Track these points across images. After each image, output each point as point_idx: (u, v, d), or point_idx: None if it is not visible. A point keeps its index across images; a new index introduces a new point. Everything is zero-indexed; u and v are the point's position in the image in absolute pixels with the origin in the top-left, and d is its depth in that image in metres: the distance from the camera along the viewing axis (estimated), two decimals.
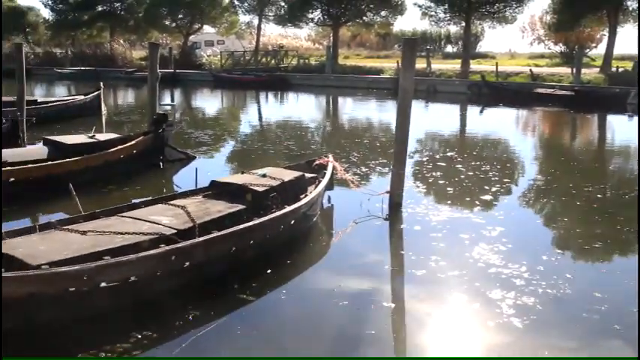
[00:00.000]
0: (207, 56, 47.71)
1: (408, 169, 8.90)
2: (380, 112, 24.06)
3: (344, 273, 6.10)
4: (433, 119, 21.71)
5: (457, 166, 11.66)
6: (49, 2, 62.71)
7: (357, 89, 32.78)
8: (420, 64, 29.43)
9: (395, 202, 8.25)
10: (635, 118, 20.75)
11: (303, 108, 27.12)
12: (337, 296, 5.44)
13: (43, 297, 4.35)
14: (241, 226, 5.79)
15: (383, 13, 43.31)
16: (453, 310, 5.33)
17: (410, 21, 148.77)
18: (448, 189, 9.70)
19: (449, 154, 13.11)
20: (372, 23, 44.71)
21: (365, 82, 34.37)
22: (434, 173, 10.87)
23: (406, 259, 6.54)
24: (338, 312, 5.20)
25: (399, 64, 31.70)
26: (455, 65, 37.48)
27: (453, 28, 50.38)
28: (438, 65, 37.45)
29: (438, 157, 12.74)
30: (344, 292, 5.54)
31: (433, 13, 40.66)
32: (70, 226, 5.72)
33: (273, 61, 43.55)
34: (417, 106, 8.95)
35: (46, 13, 65.07)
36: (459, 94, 29.96)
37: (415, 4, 40.82)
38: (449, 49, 61.43)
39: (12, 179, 8.30)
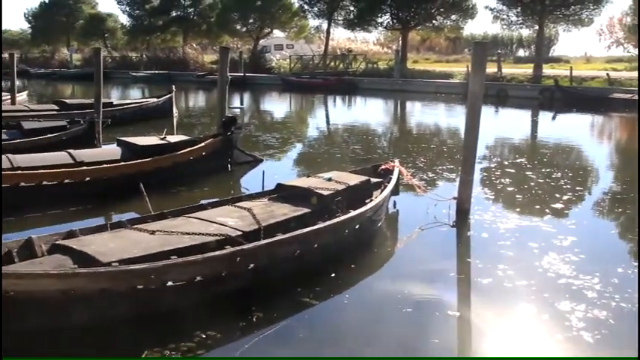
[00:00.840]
0: (277, 60, 48.26)
1: (476, 175, 8.70)
2: (448, 117, 23.74)
3: (408, 279, 6.02)
4: (503, 125, 21.27)
5: (527, 173, 11.35)
6: (127, 9, 65.15)
7: (426, 94, 32.47)
8: (491, 69, 28.91)
9: (462, 209, 8.09)
10: None
11: (370, 112, 27.04)
12: (401, 303, 5.37)
13: (113, 293, 4.46)
14: (306, 230, 5.79)
15: (453, 16, 42.78)
16: (519, 321, 5.17)
17: (481, 24, 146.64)
18: (517, 196, 9.45)
19: (518, 160, 12.79)
20: (441, 27, 44.21)
21: (433, 87, 34.01)
22: (502, 180, 10.62)
23: (473, 267, 6.40)
24: (401, 319, 5.13)
25: (469, 68, 31.29)
26: (527, 70, 36.59)
27: (526, 32, 49.33)
28: (509, 70, 36.69)
29: (507, 163, 12.44)
30: (408, 298, 5.47)
31: (505, 17, 39.92)
32: (139, 225, 5.88)
33: (341, 65, 43.67)
34: (486, 111, 8.77)
35: (124, 19, 67.65)
36: (531, 99, 29.22)
37: (487, 7, 40.22)
38: (520, 53, 60.11)
39: (87, 178, 8.62)
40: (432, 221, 7.86)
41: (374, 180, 7.95)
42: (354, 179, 7.57)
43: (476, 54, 8.34)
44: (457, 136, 16.98)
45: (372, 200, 7.11)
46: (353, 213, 6.47)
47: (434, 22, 43.18)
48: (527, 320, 5.14)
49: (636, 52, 43.18)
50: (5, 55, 59.68)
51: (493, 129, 17.69)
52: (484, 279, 5.94)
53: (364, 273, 6.24)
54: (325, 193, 6.87)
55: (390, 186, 7.83)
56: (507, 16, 39.73)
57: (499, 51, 46.76)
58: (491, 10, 40.00)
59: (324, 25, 50.89)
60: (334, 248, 6.19)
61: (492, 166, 12.07)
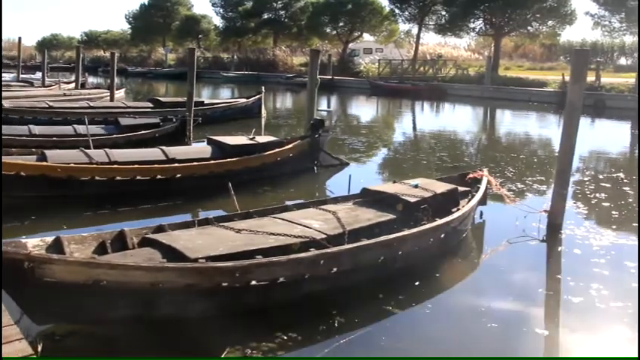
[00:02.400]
0: (365, 64, 48.25)
1: (569, 188, 8.34)
2: (540, 127, 22.98)
3: (494, 293, 5.85)
4: (599, 136, 20.35)
5: (624, 188, 10.79)
6: (221, 11, 67.06)
7: (517, 102, 31.58)
8: (588, 77, 27.71)
9: (554, 223, 7.76)
10: None
11: (458, 119, 26.55)
12: (486, 316, 5.21)
13: (199, 289, 4.54)
14: (391, 236, 5.72)
15: (550, 22, 41.25)
16: (610, 344, 4.90)
17: (579, 31, 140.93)
18: (613, 212, 8.99)
19: (615, 174, 12.18)
20: (537, 33, 42.80)
21: (526, 95, 33.01)
22: (597, 194, 10.14)
23: (563, 285, 6.12)
24: (486, 333, 4.97)
25: (565, 76, 30.06)
26: (628, 79, 34.82)
27: (629, 39, 46.97)
28: (608, 79, 35.05)
29: (602, 177, 11.87)
30: (494, 313, 5.30)
31: (607, 23, 38.17)
32: (225, 223, 5.97)
33: (430, 71, 43.17)
34: (582, 122, 8.37)
35: (218, 21, 69.58)
36: (631, 110, 27.77)
37: (587, 13, 38.62)
38: (622, 61, 57.33)
39: (178, 175, 8.88)
40: (520, 234, 7.58)
41: (461, 188, 7.76)
42: (441, 187, 7.42)
43: (576, 62, 7.99)
44: (549, 146, 16.41)
45: (459, 209, 6.95)
46: (439, 221, 6.35)
47: (529, 28, 41.87)
48: (619, 344, 4.88)
49: None
50: (106, 54, 62.93)
51: (589, 141, 16.92)
52: (575, 297, 5.68)
53: (448, 283, 6.10)
54: (411, 199, 6.77)
55: (478, 195, 7.63)
56: (610, 22, 38.05)
57: (598, 59, 44.76)
58: (591, 15, 38.49)
59: (415, 30, 50.64)
60: (419, 256, 6.08)
61: (586, 179, 11.55)
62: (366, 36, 57.23)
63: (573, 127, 7.70)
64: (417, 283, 5.81)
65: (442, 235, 6.40)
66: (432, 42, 63.78)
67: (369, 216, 6.50)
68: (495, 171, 11.29)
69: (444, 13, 46.37)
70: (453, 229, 6.69)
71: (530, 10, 39.79)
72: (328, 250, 5.21)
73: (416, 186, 7.31)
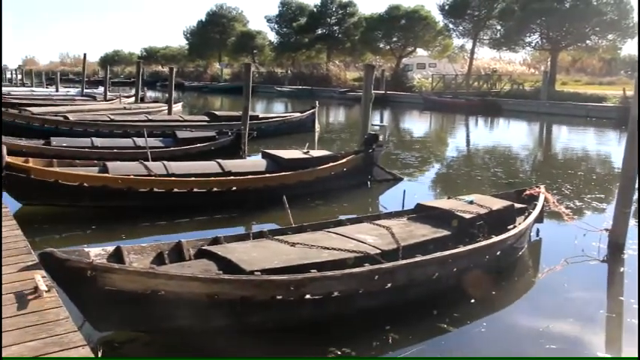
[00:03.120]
0: (418, 79, 48.06)
1: (632, 206, 8.06)
2: (598, 144, 22.36)
3: (552, 314, 5.69)
4: None
5: None
6: (276, 27, 68.03)
7: (574, 117, 30.86)
8: None
9: (615, 242, 7.53)
10: None
11: (513, 134, 26.09)
12: (543, 337, 5.09)
13: (253, 301, 4.58)
14: (446, 253, 5.66)
15: (610, 36, 40.07)
16: None
17: None
18: None
19: None
20: (596, 47, 41.65)
21: (584, 110, 32.22)
22: None
23: (625, 307, 5.92)
24: (543, 355, 4.85)
25: (627, 91, 29.17)
26: None
27: None
28: None
29: None
30: (552, 334, 5.16)
31: None
32: (280, 237, 6.03)
33: (485, 86, 42.69)
34: None
35: (272, 37, 70.49)
36: None
37: None
38: None
39: (234, 188, 9.03)
40: (579, 253, 7.37)
41: (517, 205, 7.63)
42: (497, 203, 7.31)
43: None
44: (608, 163, 15.98)
45: (515, 226, 6.83)
46: (495, 239, 6.26)
47: (587, 41, 40.82)
48: None
49: None
50: (165, 69, 64.44)
51: None
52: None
53: (504, 302, 6.00)
54: (466, 216, 6.70)
55: (535, 213, 7.48)
56: None
57: None
58: None
59: (469, 45, 50.12)
60: (474, 273, 6.00)
61: None
62: (420, 51, 57.05)
63: (637, 144, 7.47)
64: (472, 301, 5.73)
65: (498, 253, 6.30)
66: (486, 57, 63.04)
67: (424, 232, 6.46)
68: (552, 188, 11.05)
69: (499, 27, 45.79)
70: (509, 246, 6.58)
71: (589, 23, 38.81)
72: (382, 266, 5.20)
73: (471, 202, 7.23)
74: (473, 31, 47.62)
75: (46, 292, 3.83)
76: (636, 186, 7.89)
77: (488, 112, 33.27)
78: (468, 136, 25.73)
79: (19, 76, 60.30)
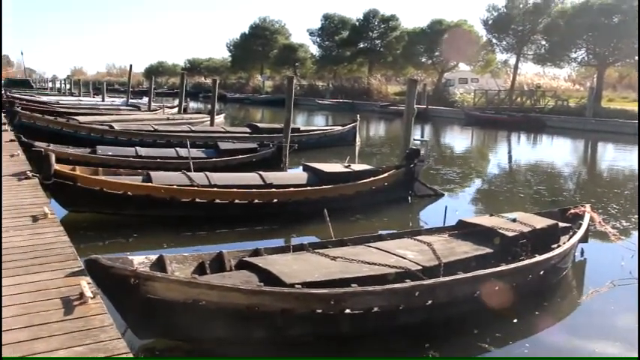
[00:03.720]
0: (460, 94, 47.68)
1: None
2: None
3: (596, 336, 5.57)
4: None
5: None
6: (318, 40, 68.41)
7: (622, 135, 30.14)
8: None
9: None
10: None
11: (557, 152, 25.64)
12: None
13: (294, 314, 4.59)
14: (488, 271, 5.59)
15: None
16: None
17: None
18: None
19: None
20: None
21: (631, 128, 31.39)
22: None
23: None
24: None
25: None
26: None
27: None
28: None
29: None
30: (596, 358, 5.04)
31: None
32: (320, 250, 6.04)
33: (528, 102, 42.11)
34: None
35: (314, 50, 70.86)
36: None
37: None
38: None
39: (275, 200, 9.07)
40: (626, 275, 7.17)
41: (562, 224, 7.50)
42: (541, 222, 7.19)
43: None
44: None
45: (559, 246, 6.70)
46: (538, 258, 6.15)
47: (636, 57, 39.94)
48: None
49: None
50: (207, 81, 65.41)
51: None
52: None
53: (547, 323, 5.86)
54: (509, 234, 6.61)
55: (580, 232, 7.33)
56: None
57: None
58: None
59: (512, 60, 49.55)
60: (516, 293, 5.89)
61: None
62: (462, 66, 56.60)
63: None
64: (514, 321, 5.63)
65: (541, 272, 6.19)
66: (530, 72, 61.99)
67: (465, 249, 6.39)
68: (597, 207, 10.80)
69: (543, 42, 45.16)
70: (553, 266, 6.45)
71: (637, 38, 37.99)
72: (424, 282, 5.15)
73: (514, 220, 7.13)
74: (517, 46, 47.04)
75: (92, 298, 3.89)
76: None
77: (531, 129, 32.78)
78: (510, 152, 25.38)
79: (68, 86, 61.94)
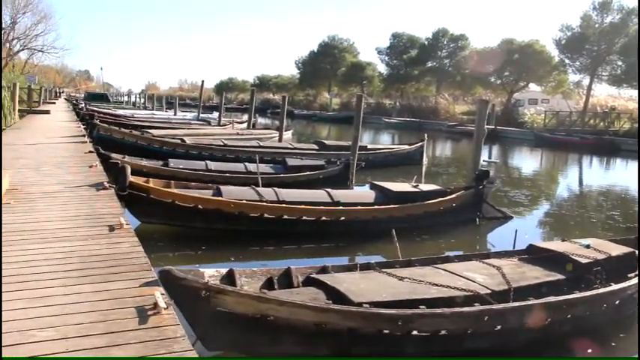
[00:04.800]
0: (530, 114, 46.67)
1: None
2: None
3: None
4: None
5: None
6: (386, 58, 68.55)
7: None
8: None
9: None
10: None
11: (631, 176, 24.66)
12: None
13: (360, 333, 4.58)
14: (560, 298, 5.44)
15: None
16: None
17: None
18: None
19: None
20: None
21: None
22: None
23: None
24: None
25: None
26: None
27: None
28: None
29: None
30: None
31: None
32: (387, 270, 6.01)
33: (601, 124, 40.79)
34: None
35: (382, 68, 70.95)
36: None
37: None
38: None
39: (342, 218, 9.08)
40: None
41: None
42: (616, 249, 6.95)
43: None
44: None
45: (637, 275, 6.45)
46: (614, 287, 5.93)
47: None
48: None
49: None
50: (275, 97, 66.77)
51: None
52: None
53: (623, 355, 5.65)
54: (583, 260, 6.42)
55: None
56: None
57: None
58: None
59: (585, 81, 48.28)
60: (589, 322, 5.71)
61: None
62: (532, 86, 55.50)
63: None
64: (589, 351, 5.44)
65: (617, 302, 5.97)
66: (604, 93, 60.12)
67: (536, 274, 6.24)
68: None
69: (619, 63, 43.84)
70: (630, 296, 6.19)
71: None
72: (493, 307, 5.06)
73: (587, 246, 6.92)
74: (590, 67, 45.80)
75: (165, 309, 3.99)
76: None
77: (604, 152, 31.72)
78: (581, 175, 24.66)
79: (142, 100, 64.10)
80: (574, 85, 51.36)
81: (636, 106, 55.78)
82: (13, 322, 3.74)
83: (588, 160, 29.58)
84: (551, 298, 5.41)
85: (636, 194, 17.88)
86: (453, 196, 10.51)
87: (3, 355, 3.38)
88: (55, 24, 54.78)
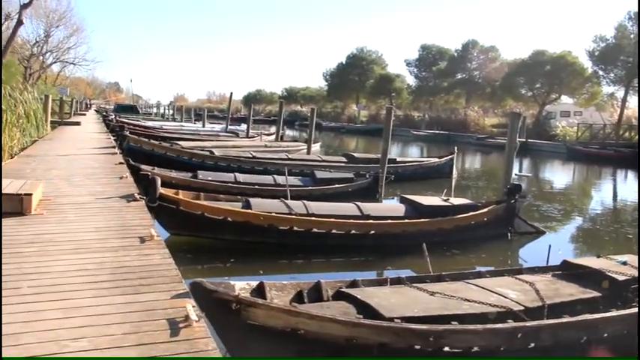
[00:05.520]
0: (562, 127, 46.07)
1: None
2: None
3: None
4: None
5: None
6: (415, 70, 68.46)
7: None
8: None
9: None
10: None
11: None
12: None
13: (390, 348, 4.52)
14: (596, 316, 5.30)
15: None
16: None
17: None
18: None
19: None
20: None
21: None
22: None
23: None
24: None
25: None
26: None
27: None
28: None
29: None
30: None
31: None
32: (418, 284, 5.94)
33: (637, 137, 40.05)
34: None
35: (411, 80, 70.86)
36: None
37: None
38: None
39: (372, 232, 9.02)
40: None
41: None
42: None
43: None
44: None
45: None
46: None
47: None
48: None
49: None
50: (303, 109, 67.08)
51: None
52: None
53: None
54: (620, 277, 6.26)
55: None
56: None
57: None
58: None
59: (620, 93, 47.43)
60: (627, 341, 5.55)
61: None
62: (565, 98, 54.78)
63: None
64: None
65: None
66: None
67: (571, 291, 6.11)
68: None
69: None
70: None
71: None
72: (527, 324, 4.95)
73: (624, 263, 6.76)
74: (625, 79, 45.01)
75: (196, 321, 3.99)
76: None
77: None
78: (615, 190, 24.22)
79: (171, 112, 64.85)
80: (608, 97, 50.54)
81: None
82: (48, 332, 3.78)
83: (623, 174, 29.05)
84: (587, 316, 5.28)
85: None
86: (485, 210, 10.36)
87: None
88: (86, 37, 55.64)
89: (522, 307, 5.42)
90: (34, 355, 3.45)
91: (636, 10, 43.11)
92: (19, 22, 20.88)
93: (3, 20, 22.44)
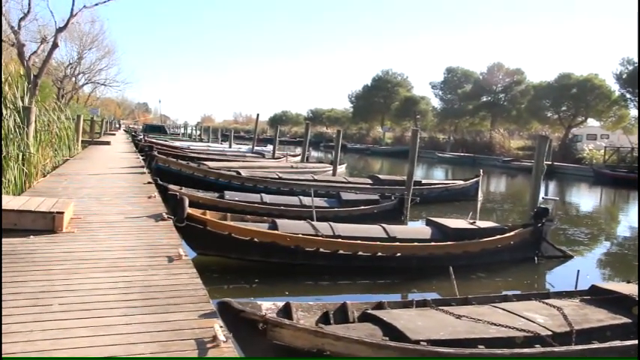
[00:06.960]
0: (589, 150, 45.58)
1: None
2: None
3: None
4: None
5: None
6: (440, 93, 68.50)
7: None
8: None
9: None
10: None
11: None
12: None
13: None
14: (627, 343, 5.23)
15: None
16: None
17: None
18: None
19: None
20: None
21: None
22: None
23: None
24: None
25: None
26: None
27: None
28: None
29: None
30: None
31: None
32: (444, 307, 5.92)
33: None
34: None
35: (436, 102, 70.86)
36: None
37: None
38: None
39: (398, 254, 9.00)
40: None
41: None
42: None
43: None
44: None
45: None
46: None
47: None
48: None
49: None
50: (328, 130, 67.17)
51: None
52: None
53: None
54: None
55: None
56: None
57: None
58: None
59: None
60: None
61: None
62: (591, 121, 54.31)
63: None
64: None
65: None
66: None
67: (600, 316, 6.03)
68: None
69: None
70: None
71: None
72: (555, 349, 4.92)
73: None
74: None
75: (224, 342, 4.02)
76: None
77: None
78: None
79: (198, 132, 65.52)
80: (635, 120, 49.96)
81: None
82: (79, 349, 3.83)
83: None
84: (617, 343, 5.22)
85: None
86: (512, 233, 10.29)
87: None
88: (117, 59, 56.67)
89: (550, 332, 5.37)
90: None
91: None
92: (54, 45, 21.33)
93: (39, 44, 23.05)
